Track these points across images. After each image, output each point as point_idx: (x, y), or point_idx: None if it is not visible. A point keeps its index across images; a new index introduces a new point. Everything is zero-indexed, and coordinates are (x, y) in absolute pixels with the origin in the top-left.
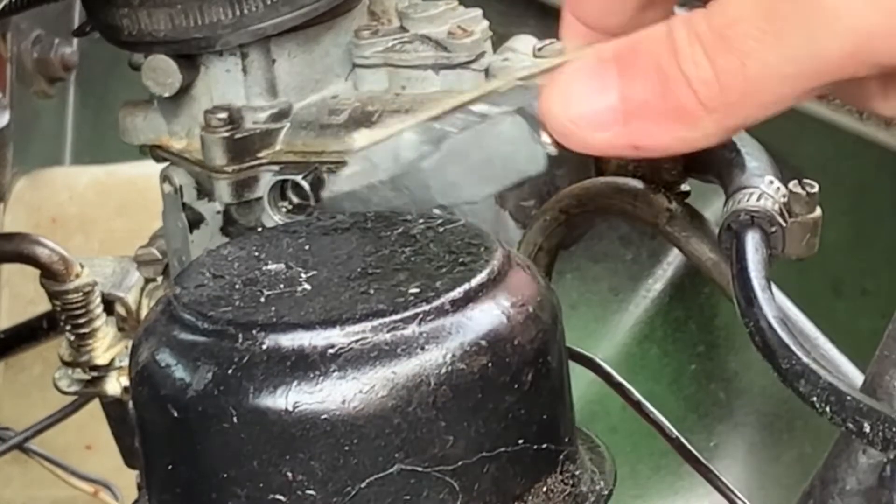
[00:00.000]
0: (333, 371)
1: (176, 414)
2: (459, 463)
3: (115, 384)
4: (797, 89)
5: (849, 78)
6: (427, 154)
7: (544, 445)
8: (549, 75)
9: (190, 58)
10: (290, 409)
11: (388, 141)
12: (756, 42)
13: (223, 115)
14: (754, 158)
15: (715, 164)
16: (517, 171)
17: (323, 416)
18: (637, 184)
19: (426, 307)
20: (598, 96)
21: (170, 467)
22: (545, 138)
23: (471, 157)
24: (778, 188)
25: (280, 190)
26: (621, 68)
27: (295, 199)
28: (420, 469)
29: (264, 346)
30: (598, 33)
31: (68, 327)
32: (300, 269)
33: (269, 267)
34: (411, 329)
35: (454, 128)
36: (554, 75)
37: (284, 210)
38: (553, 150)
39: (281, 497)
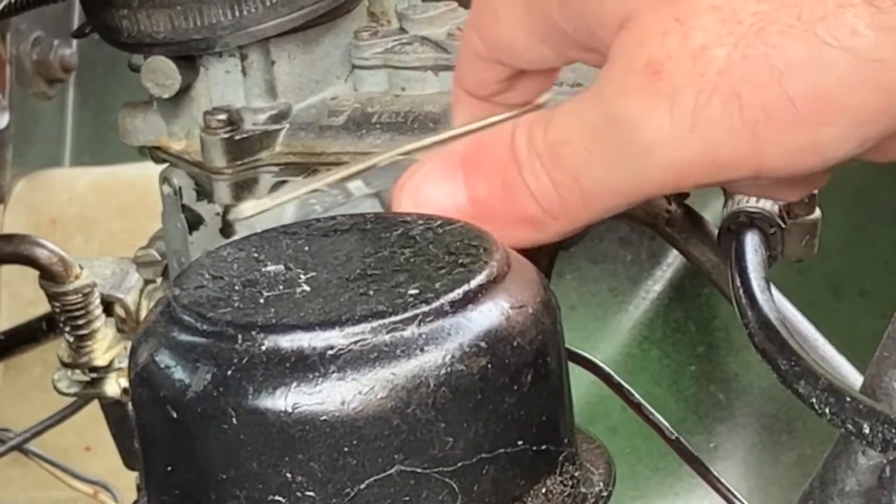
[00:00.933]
0: (333, 372)
1: (175, 415)
2: (459, 464)
3: (114, 385)
4: (631, 199)
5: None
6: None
7: (544, 447)
8: (408, 168)
9: (189, 59)
10: (290, 410)
11: (272, 210)
12: (585, 163)
13: (223, 116)
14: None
15: None
16: None
17: (322, 418)
18: None
19: (425, 308)
20: (447, 200)
21: (169, 468)
22: None
23: None
24: None
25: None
26: (467, 172)
27: None
28: (419, 470)
29: (264, 348)
30: (480, 101)
31: (68, 329)
32: (299, 271)
33: (269, 268)
34: (411, 330)
35: (320, 206)
36: (406, 173)
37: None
38: None
39: (280, 498)
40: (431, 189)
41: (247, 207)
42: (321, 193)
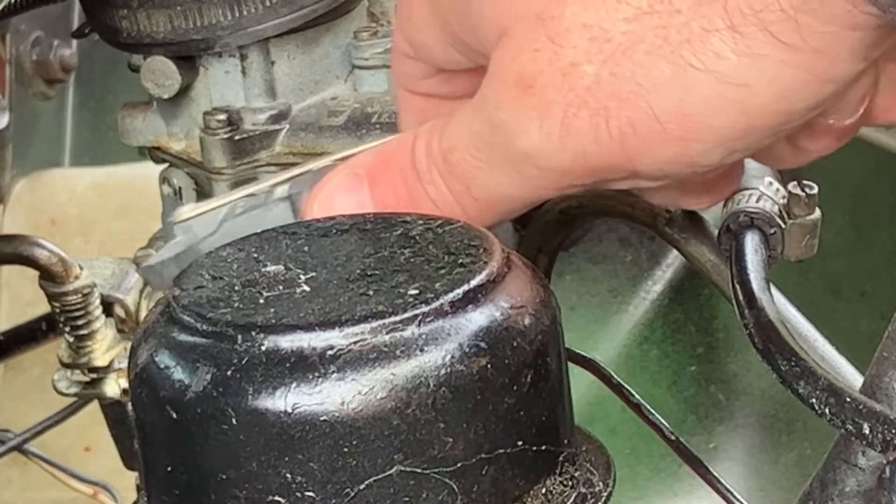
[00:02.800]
0: (332, 372)
1: (175, 415)
2: (458, 464)
3: (114, 386)
4: (521, 205)
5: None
6: (209, 234)
7: (543, 447)
8: (319, 180)
9: (189, 59)
10: (290, 410)
11: (209, 213)
12: (473, 169)
13: (222, 116)
14: (753, 160)
15: None
16: None
17: (322, 418)
18: None
19: (425, 308)
20: (355, 209)
21: (169, 469)
22: None
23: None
24: (777, 189)
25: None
26: (373, 183)
27: None
28: (419, 470)
29: (263, 348)
30: (418, 97)
31: (67, 329)
32: (299, 271)
33: (269, 268)
34: (410, 330)
35: (241, 208)
36: (318, 184)
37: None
38: None
39: (280, 498)
40: (340, 200)
41: (185, 210)
42: (251, 197)
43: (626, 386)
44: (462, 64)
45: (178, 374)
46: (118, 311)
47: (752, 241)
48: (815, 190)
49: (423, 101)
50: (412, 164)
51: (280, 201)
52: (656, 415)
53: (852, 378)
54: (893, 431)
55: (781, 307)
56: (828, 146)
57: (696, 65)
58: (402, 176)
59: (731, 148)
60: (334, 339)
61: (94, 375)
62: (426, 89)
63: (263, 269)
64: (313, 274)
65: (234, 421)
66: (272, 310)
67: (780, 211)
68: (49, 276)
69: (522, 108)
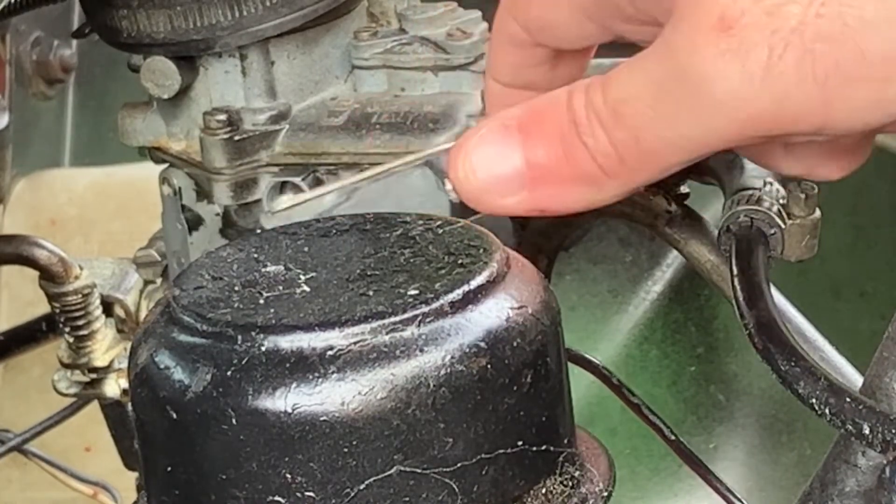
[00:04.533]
0: (332, 373)
1: (175, 415)
2: (458, 464)
3: (114, 386)
4: (693, 155)
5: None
6: (342, 207)
7: (543, 447)
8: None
9: (189, 59)
10: (290, 410)
11: (310, 202)
12: (648, 120)
13: (222, 116)
14: None
15: (714, 165)
16: None
17: (322, 418)
18: None
19: (425, 309)
20: (503, 163)
21: (169, 469)
22: (448, 186)
23: (380, 207)
24: (777, 190)
25: (279, 192)
26: (525, 136)
27: None
28: (419, 471)
29: (263, 348)
30: (514, 90)
31: (67, 329)
32: (299, 271)
33: (269, 269)
34: (410, 331)
35: (365, 181)
36: (462, 137)
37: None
38: (455, 198)
39: (280, 499)
40: (487, 151)
41: (284, 200)
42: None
43: (625, 386)
44: (588, 39)
45: (178, 374)
46: (118, 311)
47: (752, 242)
48: (815, 190)
49: (518, 96)
50: (569, 117)
51: (417, 167)
52: (656, 415)
53: (852, 378)
54: (893, 431)
55: (781, 307)
56: None
57: None
58: (556, 128)
59: None
60: (334, 339)
61: (94, 376)
62: (530, 79)
63: (263, 270)
64: (313, 274)
65: (234, 421)
66: (272, 310)
67: (779, 211)
68: (49, 277)
69: (722, 52)
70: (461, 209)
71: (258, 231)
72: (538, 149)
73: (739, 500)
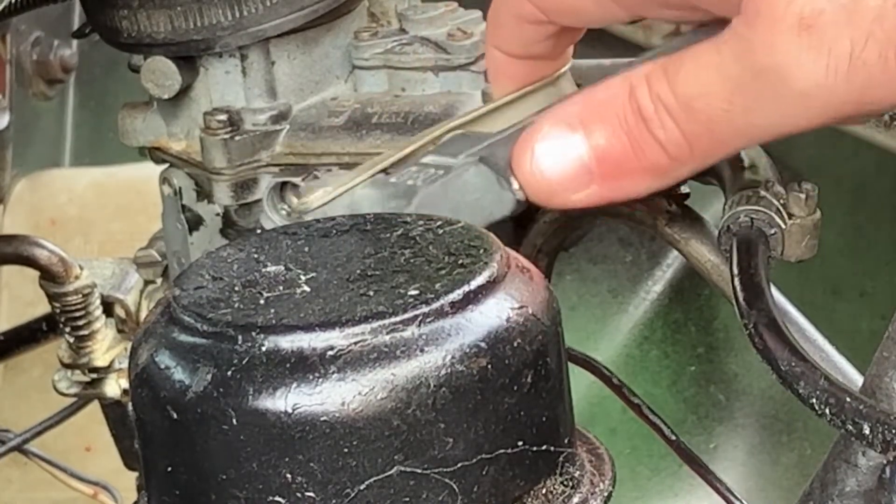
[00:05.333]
0: (333, 373)
1: (175, 416)
2: (459, 465)
3: (114, 386)
4: (762, 140)
5: None
6: (400, 209)
7: (544, 447)
8: (521, 130)
9: (189, 59)
10: (290, 410)
11: (343, 197)
12: (723, 113)
13: (222, 116)
14: (754, 160)
15: (715, 166)
16: (485, 216)
17: (322, 418)
18: None
19: (425, 309)
20: (570, 160)
21: (169, 469)
22: (515, 185)
23: (440, 208)
24: (777, 190)
25: (279, 192)
26: (589, 132)
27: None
28: (419, 471)
29: (264, 348)
30: (518, 60)
31: (67, 329)
32: (299, 271)
33: (269, 269)
34: (411, 331)
35: (421, 182)
36: (524, 137)
37: (284, 212)
38: (522, 196)
39: (280, 499)
40: (552, 149)
41: (316, 196)
42: (400, 167)
43: (626, 386)
44: (613, 20)
45: (179, 374)
46: (118, 311)
47: (752, 241)
48: (815, 190)
49: (525, 66)
50: (634, 109)
51: (470, 166)
52: (656, 415)
53: (853, 378)
54: (893, 431)
55: (781, 307)
56: None
57: None
58: (620, 121)
59: None
60: (334, 339)
61: (94, 375)
62: (538, 51)
63: (264, 270)
64: (313, 274)
65: (234, 421)
66: (272, 310)
67: (780, 211)
68: (49, 277)
69: (803, 49)
70: (525, 206)
71: (258, 231)
72: (602, 140)
73: (739, 500)
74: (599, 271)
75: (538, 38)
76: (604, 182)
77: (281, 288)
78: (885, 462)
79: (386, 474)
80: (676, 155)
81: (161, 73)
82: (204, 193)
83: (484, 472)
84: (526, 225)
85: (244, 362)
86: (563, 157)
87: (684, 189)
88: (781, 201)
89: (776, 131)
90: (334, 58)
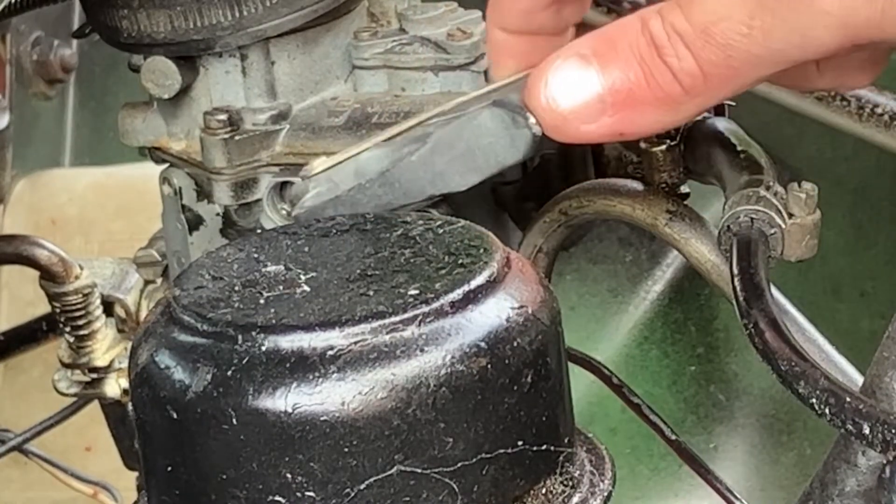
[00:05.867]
0: (333, 373)
1: (175, 415)
2: (459, 464)
3: (114, 386)
4: (776, 69)
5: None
6: (413, 153)
7: (544, 447)
8: (531, 72)
9: (189, 59)
10: (290, 410)
11: (348, 163)
12: (743, 37)
13: (223, 116)
14: (754, 160)
15: (715, 165)
16: (497, 160)
17: (322, 418)
18: (636, 185)
19: (425, 309)
20: (583, 90)
21: (169, 469)
22: (531, 119)
23: (455, 149)
24: (777, 190)
25: (279, 192)
26: (602, 63)
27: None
28: (419, 470)
29: (264, 348)
30: (521, 37)
31: (68, 329)
32: (299, 271)
33: (269, 269)
34: (411, 331)
35: (434, 127)
36: (538, 69)
37: (283, 212)
38: (538, 130)
39: (280, 498)
40: (566, 80)
41: (317, 163)
42: (406, 136)
43: (626, 386)
44: None
45: (179, 374)
46: (118, 311)
47: (752, 242)
48: (815, 190)
49: (525, 42)
50: (647, 40)
51: (484, 108)
52: (656, 414)
53: (853, 378)
54: (893, 431)
55: (781, 307)
56: None
57: None
58: (634, 52)
59: None
60: (334, 339)
61: (94, 375)
62: (538, 24)
63: (264, 270)
64: (313, 274)
65: (234, 421)
66: (272, 310)
67: (780, 211)
68: (49, 276)
69: None
70: (540, 144)
71: (258, 231)
72: (617, 75)
73: (739, 499)
74: (599, 271)
75: (538, 7)
76: (615, 113)
77: (281, 288)
78: (885, 462)
79: (386, 474)
80: (690, 86)
81: (161, 73)
82: (204, 193)
83: (484, 472)
84: (526, 225)
85: (244, 362)
86: (575, 87)
87: (684, 189)
88: (781, 201)
89: (793, 57)
90: (334, 58)
